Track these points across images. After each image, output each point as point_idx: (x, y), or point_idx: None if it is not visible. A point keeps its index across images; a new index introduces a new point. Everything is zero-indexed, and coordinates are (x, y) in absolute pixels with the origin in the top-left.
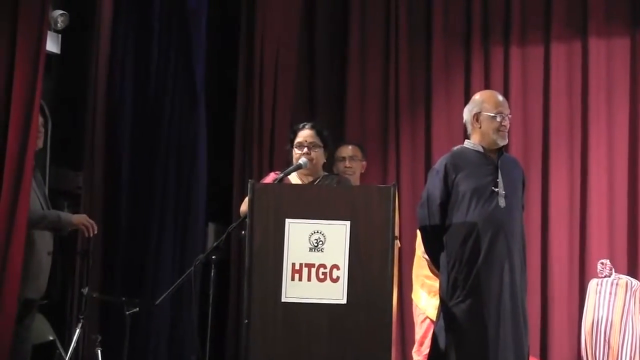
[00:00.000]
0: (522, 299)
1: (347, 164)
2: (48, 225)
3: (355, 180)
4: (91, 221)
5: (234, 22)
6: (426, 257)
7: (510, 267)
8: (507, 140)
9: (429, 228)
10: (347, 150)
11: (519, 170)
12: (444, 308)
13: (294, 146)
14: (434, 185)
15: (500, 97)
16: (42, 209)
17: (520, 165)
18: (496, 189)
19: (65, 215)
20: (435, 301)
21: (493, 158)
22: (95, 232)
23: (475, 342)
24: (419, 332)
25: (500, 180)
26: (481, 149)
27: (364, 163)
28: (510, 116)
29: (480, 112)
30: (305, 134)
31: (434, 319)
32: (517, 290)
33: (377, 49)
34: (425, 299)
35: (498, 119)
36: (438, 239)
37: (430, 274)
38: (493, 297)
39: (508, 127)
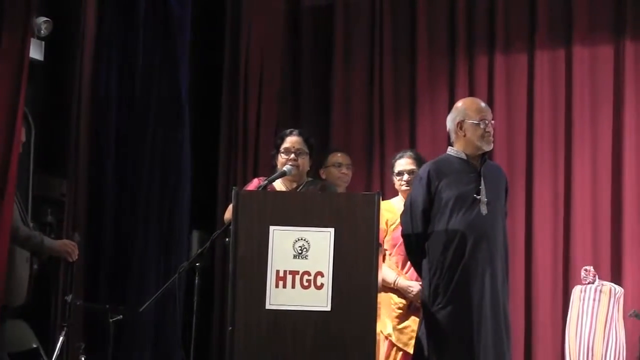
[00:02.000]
0: (503, 306)
1: (344, 170)
2: (30, 247)
3: (344, 188)
4: (73, 247)
5: (219, 31)
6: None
7: (492, 274)
8: (492, 145)
9: (412, 235)
10: (344, 157)
11: (503, 178)
12: (426, 314)
13: (281, 152)
14: (417, 192)
15: (482, 104)
16: (22, 220)
17: (504, 173)
18: (478, 197)
19: (49, 242)
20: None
21: (476, 165)
22: (77, 257)
23: (457, 348)
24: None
25: (482, 187)
26: (464, 157)
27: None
28: (493, 122)
29: (463, 120)
30: (292, 140)
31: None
32: (498, 297)
33: (362, 58)
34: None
35: (482, 126)
36: (420, 246)
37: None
38: (474, 303)
39: (492, 132)
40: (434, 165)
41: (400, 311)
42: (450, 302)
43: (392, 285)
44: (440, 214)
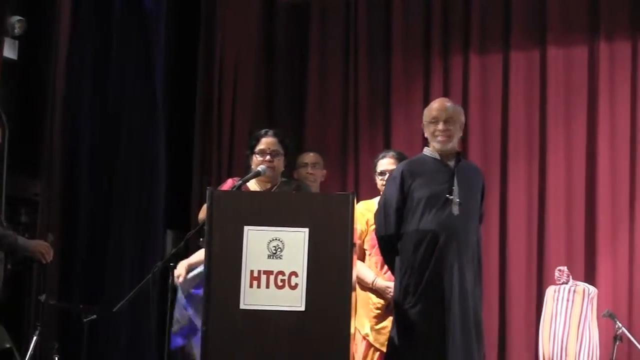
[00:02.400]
0: (474, 307)
1: (310, 170)
2: (4, 246)
3: (315, 188)
4: (48, 248)
5: (194, 30)
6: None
7: (460, 275)
8: (448, 144)
9: (385, 234)
10: (310, 157)
11: (479, 178)
12: (397, 313)
13: (256, 152)
14: (391, 191)
15: (436, 104)
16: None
17: (482, 174)
18: (451, 197)
19: (23, 241)
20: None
21: (450, 165)
22: (51, 258)
23: (426, 347)
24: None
25: (455, 187)
26: (438, 156)
27: (324, 171)
28: (445, 120)
29: (423, 122)
30: (268, 141)
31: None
32: (467, 296)
33: (337, 57)
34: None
35: (432, 126)
36: (394, 245)
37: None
38: (442, 303)
39: (444, 129)
40: (408, 165)
41: (379, 311)
42: (419, 301)
43: (370, 285)
44: (413, 213)
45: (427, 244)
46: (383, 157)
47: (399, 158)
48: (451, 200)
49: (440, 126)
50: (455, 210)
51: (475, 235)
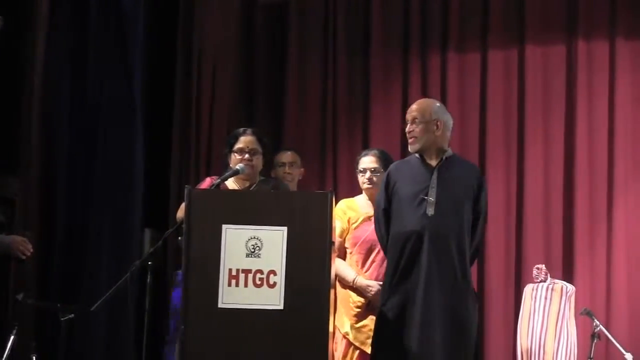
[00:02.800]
0: (452, 308)
1: (287, 169)
2: None
3: (293, 186)
4: (25, 243)
5: (172, 30)
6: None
7: (428, 275)
8: (416, 145)
9: (378, 234)
10: (287, 156)
11: (471, 178)
12: (378, 312)
13: (234, 151)
14: (380, 192)
15: (413, 105)
16: None
17: (476, 172)
18: (426, 197)
19: (1, 237)
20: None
21: (432, 165)
22: (31, 252)
23: (388, 347)
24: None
25: (433, 187)
26: (418, 156)
27: (302, 170)
28: (411, 121)
29: None
30: (246, 140)
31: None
32: (432, 299)
33: (316, 56)
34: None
35: (406, 127)
36: (384, 242)
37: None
38: (405, 303)
39: (408, 131)
40: (395, 165)
41: (359, 310)
42: (388, 301)
43: (351, 284)
44: (395, 214)
45: (401, 244)
46: (365, 154)
47: (381, 156)
48: (426, 200)
49: (407, 127)
50: (430, 210)
51: (456, 233)
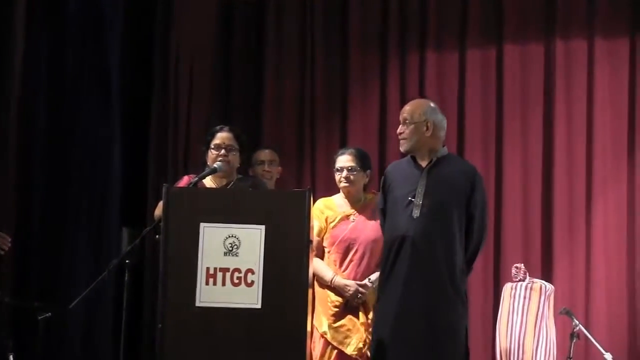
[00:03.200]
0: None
1: (267, 167)
2: None
3: (271, 185)
4: (3, 238)
5: (150, 27)
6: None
7: (406, 279)
8: (403, 146)
9: (382, 233)
10: (266, 154)
11: (463, 177)
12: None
13: (211, 147)
14: (380, 193)
15: (405, 106)
16: None
17: (472, 175)
18: (412, 199)
19: None
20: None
21: (422, 166)
22: (9, 246)
23: (380, 345)
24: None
25: (420, 189)
26: (410, 158)
27: (280, 168)
28: (401, 122)
29: None
30: (223, 136)
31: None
32: (409, 303)
33: (293, 54)
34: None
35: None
36: None
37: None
38: (388, 304)
39: (401, 132)
40: (391, 167)
41: (337, 309)
42: (378, 301)
43: (329, 283)
44: (389, 214)
45: (388, 246)
46: (342, 153)
47: (357, 155)
48: (413, 202)
49: (398, 129)
50: (416, 212)
51: (445, 238)
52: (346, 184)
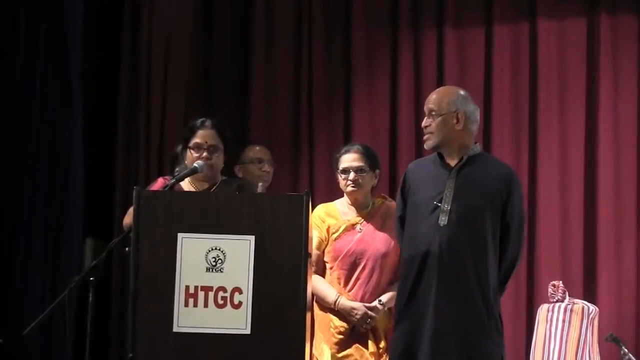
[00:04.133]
0: (467, 337)
1: (267, 167)
2: None
3: (263, 188)
4: None
5: (117, 12)
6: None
7: (437, 300)
8: (429, 142)
9: (399, 240)
10: (261, 152)
11: (499, 180)
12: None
13: (191, 147)
14: (397, 197)
15: (431, 95)
16: None
17: (507, 174)
18: (439, 204)
19: None
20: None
21: (451, 164)
22: None
23: None
24: None
25: (449, 192)
26: (437, 155)
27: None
28: (427, 113)
29: None
30: (205, 135)
31: None
32: (443, 327)
33: (287, 35)
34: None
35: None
36: None
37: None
38: (413, 330)
39: (424, 125)
40: (412, 165)
41: (341, 337)
42: (397, 328)
43: (332, 305)
44: (408, 223)
45: (410, 260)
46: (347, 151)
47: (365, 153)
48: (439, 208)
49: (426, 121)
50: (443, 220)
51: (477, 251)
52: (354, 188)
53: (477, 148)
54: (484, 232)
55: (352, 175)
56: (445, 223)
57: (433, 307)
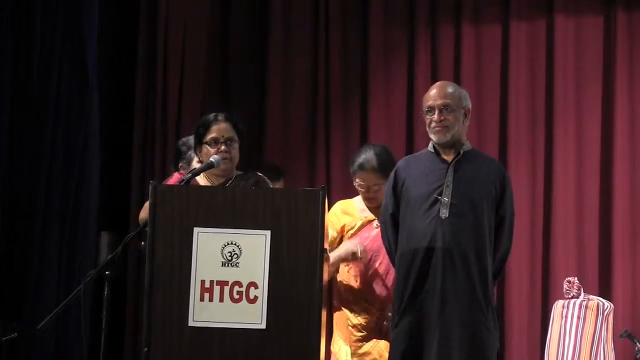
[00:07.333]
0: (470, 328)
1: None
2: None
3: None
4: None
5: (133, 2)
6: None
7: (443, 293)
8: (445, 136)
9: (386, 242)
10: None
11: (493, 173)
12: (391, 337)
13: (206, 142)
14: (386, 194)
15: (433, 89)
16: None
17: (497, 167)
18: (439, 197)
19: None
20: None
21: (447, 160)
22: None
23: None
24: None
25: (448, 185)
26: (433, 150)
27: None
28: (441, 108)
29: (422, 112)
30: (220, 128)
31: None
32: (451, 319)
33: (304, 30)
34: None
35: (428, 115)
36: (394, 254)
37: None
38: (422, 325)
39: (440, 119)
40: (404, 162)
41: (361, 334)
42: (397, 325)
43: (349, 259)
44: (404, 218)
45: (411, 255)
46: (361, 167)
47: (381, 167)
48: (440, 201)
49: (436, 115)
50: (444, 212)
51: (477, 242)
52: (371, 200)
53: (469, 144)
54: (483, 224)
55: (369, 193)
56: (447, 215)
57: (440, 299)
